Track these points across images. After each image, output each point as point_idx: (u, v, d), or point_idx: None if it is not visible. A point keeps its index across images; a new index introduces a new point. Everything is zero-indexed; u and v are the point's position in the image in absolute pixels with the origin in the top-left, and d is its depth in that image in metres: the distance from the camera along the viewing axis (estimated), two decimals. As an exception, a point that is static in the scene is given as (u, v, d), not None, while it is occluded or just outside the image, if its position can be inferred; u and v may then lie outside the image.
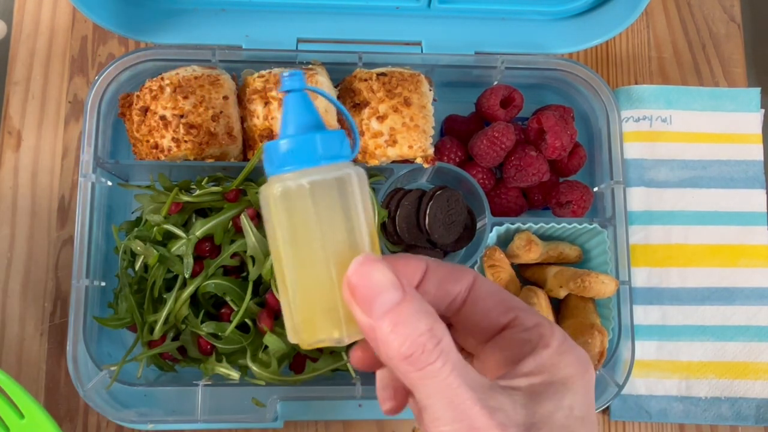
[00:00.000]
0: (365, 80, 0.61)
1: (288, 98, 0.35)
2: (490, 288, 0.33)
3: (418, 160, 0.61)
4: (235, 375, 0.56)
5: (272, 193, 0.34)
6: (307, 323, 0.33)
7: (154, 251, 0.56)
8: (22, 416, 0.52)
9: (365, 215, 0.33)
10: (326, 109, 0.59)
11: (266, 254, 0.56)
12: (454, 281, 0.33)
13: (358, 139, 0.37)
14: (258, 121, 0.60)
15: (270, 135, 0.59)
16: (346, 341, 0.32)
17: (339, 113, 0.62)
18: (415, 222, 0.61)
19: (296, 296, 0.33)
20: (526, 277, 0.64)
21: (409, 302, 0.28)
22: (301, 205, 0.33)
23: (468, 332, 0.33)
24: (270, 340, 0.55)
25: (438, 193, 0.61)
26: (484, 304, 0.32)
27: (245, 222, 0.57)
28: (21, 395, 0.52)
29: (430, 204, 0.60)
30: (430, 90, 0.62)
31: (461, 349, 0.34)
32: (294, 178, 0.33)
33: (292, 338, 0.34)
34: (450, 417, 0.27)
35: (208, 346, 0.58)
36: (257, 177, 0.61)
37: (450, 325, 0.34)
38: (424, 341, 0.27)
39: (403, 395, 0.33)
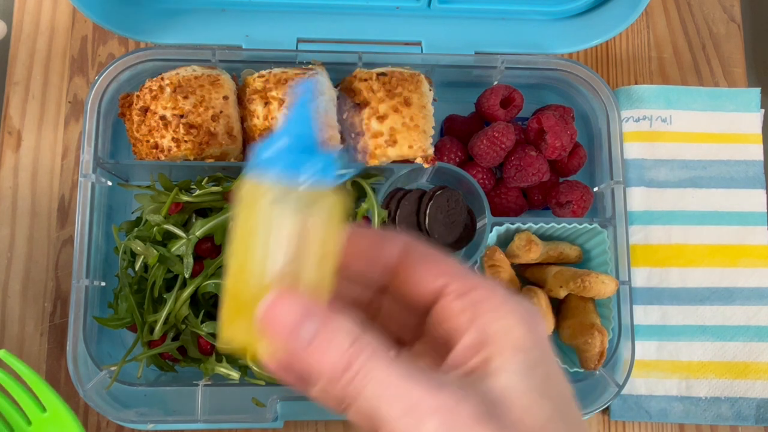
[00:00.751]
0: (365, 80, 0.61)
1: (297, 105, 0.33)
2: (423, 252, 0.31)
3: (418, 160, 0.61)
4: (235, 375, 0.56)
5: (243, 187, 0.32)
6: (229, 321, 0.32)
7: (154, 251, 0.56)
8: (44, 410, 0.53)
9: (320, 243, 0.31)
10: (326, 110, 0.59)
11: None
12: (383, 245, 0.32)
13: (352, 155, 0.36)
14: (258, 121, 0.60)
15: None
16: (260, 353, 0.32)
17: (339, 113, 0.62)
18: (415, 222, 0.61)
19: (232, 292, 0.32)
20: (526, 277, 0.64)
21: (326, 327, 0.27)
22: (264, 206, 0.31)
23: (405, 300, 0.32)
24: None
25: (438, 193, 0.61)
26: (416, 269, 0.31)
27: (245, 222, 0.57)
28: (43, 389, 0.52)
29: (430, 204, 0.60)
30: (430, 90, 0.62)
31: (400, 345, 0.32)
32: (269, 181, 0.31)
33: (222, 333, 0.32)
34: (400, 410, 0.25)
35: (208, 346, 0.58)
36: (257, 177, 0.60)
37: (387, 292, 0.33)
38: (350, 354, 0.26)
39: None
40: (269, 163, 0.31)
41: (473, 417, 0.25)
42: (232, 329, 0.32)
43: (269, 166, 0.31)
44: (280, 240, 0.31)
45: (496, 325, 0.28)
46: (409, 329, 0.32)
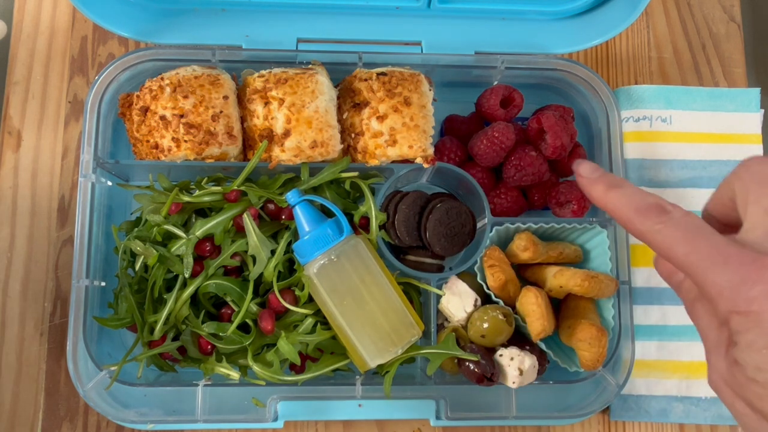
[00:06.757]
0: (365, 80, 0.60)
1: (296, 209, 0.56)
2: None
3: (418, 160, 0.61)
4: (235, 375, 0.56)
5: (313, 273, 0.54)
6: (374, 352, 0.54)
7: (154, 251, 0.56)
8: None
9: (378, 262, 0.55)
10: (326, 110, 0.59)
11: (268, 254, 0.57)
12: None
13: (345, 221, 0.56)
14: (258, 121, 0.60)
15: (270, 135, 0.59)
16: (401, 351, 0.55)
17: (339, 112, 0.62)
18: (414, 226, 0.61)
19: (358, 337, 0.53)
20: (526, 277, 0.64)
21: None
22: (340, 269, 0.53)
23: None
24: (286, 349, 0.55)
25: (438, 205, 0.61)
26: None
27: (248, 221, 0.57)
28: None
29: (429, 217, 0.60)
30: (430, 90, 0.62)
31: None
32: (323, 257, 0.54)
33: (367, 366, 0.54)
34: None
35: (209, 346, 0.58)
36: (257, 177, 0.61)
37: None
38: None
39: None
40: (310, 250, 0.54)
41: None
42: (378, 350, 0.54)
43: (311, 252, 0.54)
44: (365, 268, 0.55)
45: None
46: None
